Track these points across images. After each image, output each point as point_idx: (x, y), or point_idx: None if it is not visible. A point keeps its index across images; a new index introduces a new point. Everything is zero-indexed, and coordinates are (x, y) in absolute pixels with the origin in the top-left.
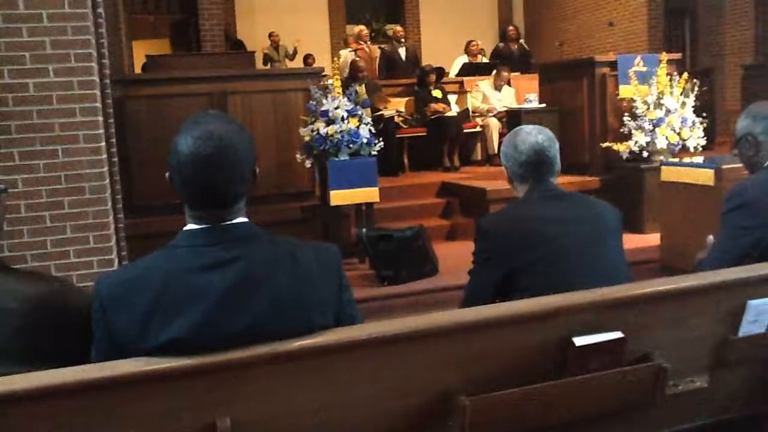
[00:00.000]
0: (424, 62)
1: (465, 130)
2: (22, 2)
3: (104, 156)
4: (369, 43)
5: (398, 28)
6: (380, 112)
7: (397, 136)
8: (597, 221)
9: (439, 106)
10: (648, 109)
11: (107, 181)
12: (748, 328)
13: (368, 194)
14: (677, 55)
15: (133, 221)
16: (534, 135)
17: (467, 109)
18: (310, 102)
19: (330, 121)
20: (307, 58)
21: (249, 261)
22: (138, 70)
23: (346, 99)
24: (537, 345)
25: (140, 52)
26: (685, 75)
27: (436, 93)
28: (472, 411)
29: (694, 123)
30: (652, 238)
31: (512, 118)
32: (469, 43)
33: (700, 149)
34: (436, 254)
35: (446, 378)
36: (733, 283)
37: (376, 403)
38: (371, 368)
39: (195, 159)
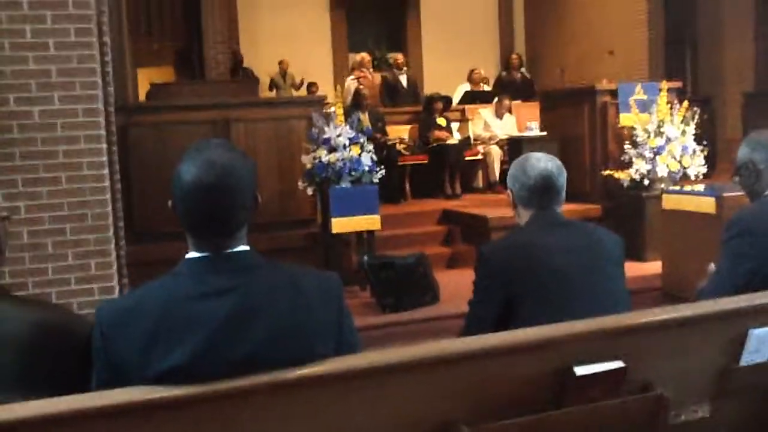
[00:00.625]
0: (427, 90)
1: (466, 158)
2: (29, 30)
3: (107, 183)
4: (371, 70)
5: (399, 56)
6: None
7: (399, 163)
8: (598, 249)
9: (442, 134)
10: (649, 137)
11: (109, 208)
12: (749, 357)
13: (370, 222)
14: (678, 84)
15: (134, 248)
16: (544, 162)
17: (468, 136)
18: (313, 129)
19: (332, 149)
20: (311, 86)
21: (250, 289)
22: (142, 97)
23: (348, 127)
24: (537, 374)
25: (144, 79)
26: (686, 103)
27: (441, 121)
28: None
29: (694, 151)
30: (654, 266)
31: (513, 146)
32: (471, 71)
33: (701, 177)
34: (438, 282)
35: (446, 407)
36: (735, 311)
37: None
38: (371, 397)
39: (197, 187)
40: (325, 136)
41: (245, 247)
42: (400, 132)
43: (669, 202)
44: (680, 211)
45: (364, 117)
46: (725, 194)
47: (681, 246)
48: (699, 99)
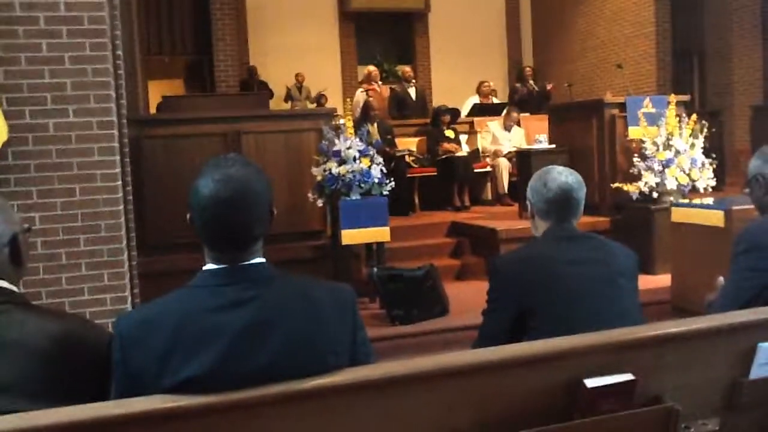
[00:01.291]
0: (435, 102)
1: (475, 170)
2: (45, 45)
3: (120, 195)
4: (380, 83)
5: (407, 68)
6: (391, 152)
7: (408, 175)
8: (611, 263)
9: (451, 146)
10: (657, 150)
11: (122, 219)
12: (759, 370)
13: (379, 234)
14: (686, 97)
15: (146, 260)
16: (565, 175)
17: (477, 149)
18: (323, 142)
19: (342, 161)
20: (320, 99)
21: (265, 301)
22: (153, 110)
23: (358, 139)
24: (548, 386)
25: (155, 92)
26: (694, 116)
27: (449, 133)
28: None
29: (703, 164)
30: (663, 279)
31: (522, 159)
32: (481, 83)
33: (710, 190)
34: (447, 294)
35: (458, 419)
36: (744, 325)
37: None
38: (383, 408)
39: (215, 201)
40: (335, 149)
41: (261, 260)
42: (408, 144)
43: (678, 215)
44: (689, 224)
45: (373, 129)
46: (734, 207)
47: (690, 259)
48: (707, 112)
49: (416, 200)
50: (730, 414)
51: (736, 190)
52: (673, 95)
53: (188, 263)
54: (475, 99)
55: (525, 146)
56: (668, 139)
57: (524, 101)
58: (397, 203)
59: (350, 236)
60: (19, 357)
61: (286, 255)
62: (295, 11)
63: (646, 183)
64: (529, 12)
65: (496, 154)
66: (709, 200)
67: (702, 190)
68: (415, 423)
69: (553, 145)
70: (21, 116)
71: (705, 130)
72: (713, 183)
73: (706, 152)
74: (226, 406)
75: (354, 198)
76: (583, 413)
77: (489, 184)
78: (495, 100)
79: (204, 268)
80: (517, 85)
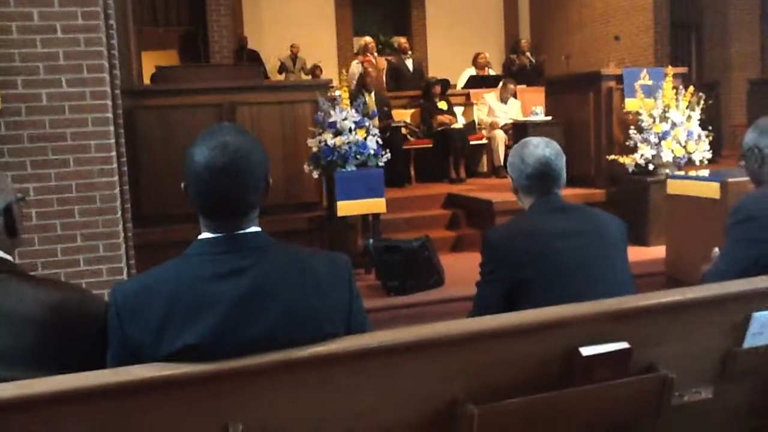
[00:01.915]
0: (431, 74)
1: (471, 143)
2: (36, 14)
3: (115, 165)
4: (376, 55)
5: (403, 39)
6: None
7: (404, 147)
8: (601, 234)
9: (446, 118)
10: (654, 122)
11: (117, 190)
12: (752, 340)
13: (375, 205)
14: (683, 69)
15: (141, 230)
16: (541, 148)
17: (473, 121)
18: (318, 113)
19: (337, 133)
20: (315, 70)
21: (261, 270)
22: (147, 81)
23: (353, 110)
24: (543, 355)
25: (149, 63)
26: (691, 89)
27: (442, 105)
28: (480, 420)
29: (699, 136)
30: (658, 251)
31: (518, 131)
32: (477, 55)
33: (706, 162)
34: (442, 265)
35: (454, 387)
36: (738, 295)
37: (385, 411)
38: (380, 376)
39: (209, 169)
40: (331, 120)
41: (257, 229)
42: (403, 116)
43: (673, 187)
44: (685, 196)
45: (370, 98)
46: (730, 179)
47: (685, 231)
48: (704, 85)
49: (412, 172)
50: (723, 383)
51: (731, 163)
52: (670, 67)
53: (183, 234)
54: (472, 71)
55: (521, 118)
56: (665, 112)
57: (520, 74)
58: (393, 175)
59: (346, 208)
60: (15, 326)
61: (282, 226)
62: None
63: (642, 155)
64: None
65: (492, 126)
66: (705, 173)
67: (698, 163)
68: (412, 391)
69: (550, 117)
70: (13, 86)
71: (702, 102)
72: (709, 155)
73: (703, 125)
74: (223, 374)
75: (350, 169)
76: (579, 381)
77: (485, 157)
78: (491, 72)
79: (199, 237)
80: (513, 56)
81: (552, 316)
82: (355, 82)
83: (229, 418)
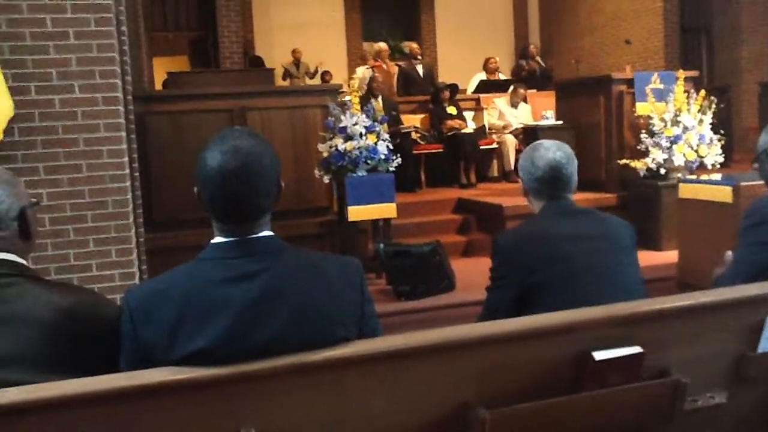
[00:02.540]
0: (441, 79)
1: (481, 147)
2: (49, 21)
3: (127, 171)
4: (388, 60)
5: (415, 45)
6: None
7: (414, 152)
8: (611, 238)
9: (456, 123)
10: (665, 126)
11: (129, 195)
12: (766, 344)
13: (386, 210)
14: (694, 73)
15: (152, 235)
16: (552, 151)
17: (483, 126)
18: (329, 118)
19: (348, 137)
20: (325, 75)
21: (273, 273)
22: (158, 86)
23: (364, 115)
24: (556, 359)
25: (160, 68)
26: (702, 92)
27: (451, 109)
28: (491, 424)
29: (711, 140)
30: (670, 256)
31: (529, 135)
32: (487, 60)
33: (718, 166)
34: (453, 270)
35: (465, 391)
36: (752, 299)
37: (396, 415)
38: (392, 380)
39: (221, 173)
40: (342, 125)
41: (269, 233)
42: (413, 121)
43: (685, 191)
44: (696, 201)
45: (378, 104)
46: (742, 183)
47: (697, 235)
48: (716, 88)
49: (423, 177)
50: (737, 387)
51: (744, 167)
52: (681, 71)
53: (195, 239)
54: (482, 75)
55: (532, 123)
56: (676, 115)
57: (529, 79)
58: (404, 180)
59: (357, 212)
60: (29, 329)
61: (293, 231)
62: None
63: (653, 159)
64: None
65: (505, 128)
66: (717, 176)
67: (710, 167)
68: (424, 395)
69: (560, 122)
70: (26, 92)
71: (713, 106)
72: (721, 159)
73: (714, 128)
74: (235, 378)
75: (360, 174)
76: (591, 386)
77: (495, 161)
78: (502, 77)
79: (212, 241)
80: (522, 62)
81: (563, 321)
82: (365, 87)
83: (242, 421)
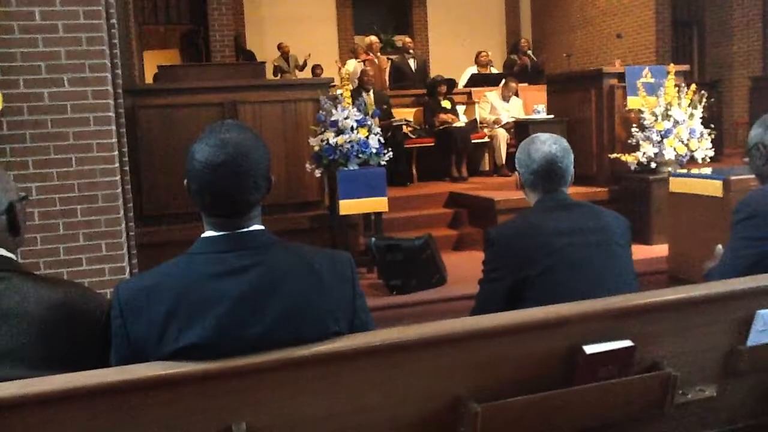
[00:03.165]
0: (433, 73)
1: (473, 141)
2: (38, 13)
3: (117, 165)
4: (378, 54)
5: (408, 39)
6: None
7: (406, 146)
8: (605, 231)
9: (448, 117)
10: (656, 120)
11: (119, 189)
12: (756, 337)
13: (377, 204)
14: (685, 67)
15: (142, 230)
16: (548, 144)
17: (475, 119)
18: (320, 112)
19: (339, 131)
20: (316, 69)
21: (264, 268)
22: (149, 80)
23: (355, 109)
24: (547, 352)
25: (150, 62)
26: (693, 86)
27: (445, 104)
28: (483, 417)
29: (702, 134)
30: (660, 249)
31: (520, 129)
32: (478, 54)
33: (708, 160)
34: (444, 264)
35: (457, 385)
36: (742, 292)
37: (388, 409)
38: (384, 374)
39: (209, 166)
40: (333, 119)
41: (260, 227)
42: (405, 114)
43: (676, 185)
44: (687, 195)
45: (369, 98)
46: (732, 177)
47: (687, 229)
48: (706, 83)
49: (414, 171)
50: (727, 380)
51: (734, 161)
52: (672, 65)
53: (185, 233)
54: (473, 69)
55: (523, 117)
56: (667, 110)
57: (521, 74)
58: (395, 174)
59: (348, 206)
60: (18, 324)
61: (284, 225)
62: None
63: (644, 153)
64: None
65: (496, 123)
66: (707, 170)
67: (700, 161)
68: (415, 389)
69: (552, 116)
70: (15, 85)
71: (704, 100)
72: (711, 153)
73: (705, 123)
74: (226, 373)
75: (352, 168)
76: (582, 379)
77: (487, 155)
78: (493, 71)
79: (203, 235)
80: (513, 57)
81: (555, 314)
82: (356, 80)
83: (233, 416)
